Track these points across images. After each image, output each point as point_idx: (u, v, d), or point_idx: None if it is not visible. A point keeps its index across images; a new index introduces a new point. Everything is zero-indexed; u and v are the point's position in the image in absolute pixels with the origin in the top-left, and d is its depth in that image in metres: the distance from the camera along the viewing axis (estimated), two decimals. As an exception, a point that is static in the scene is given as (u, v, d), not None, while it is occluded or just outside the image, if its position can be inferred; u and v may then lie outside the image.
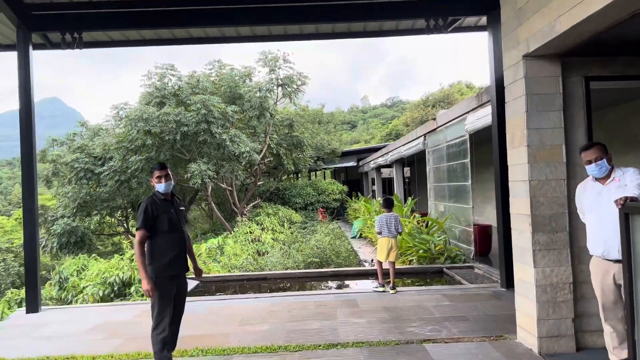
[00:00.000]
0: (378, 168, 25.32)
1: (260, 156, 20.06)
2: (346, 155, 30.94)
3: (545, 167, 4.67)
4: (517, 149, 4.85)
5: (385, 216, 7.81)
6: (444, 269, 9.80)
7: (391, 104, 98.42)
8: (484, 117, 9.21)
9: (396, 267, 7.91)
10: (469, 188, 10.37)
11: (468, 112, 10.14)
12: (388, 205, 7.97)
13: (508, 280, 7.51)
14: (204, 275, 7.47)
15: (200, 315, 6.74)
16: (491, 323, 5.89)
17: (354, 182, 33.23)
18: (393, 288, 7.64)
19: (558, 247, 4.67)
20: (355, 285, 9.43)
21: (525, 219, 4.75)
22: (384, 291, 7.68)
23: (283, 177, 27.20)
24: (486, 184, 16.99)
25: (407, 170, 21.10)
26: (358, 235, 18.60)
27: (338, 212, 26.42)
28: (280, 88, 20.26)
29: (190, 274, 4.98)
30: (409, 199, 16.05)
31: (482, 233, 10.81)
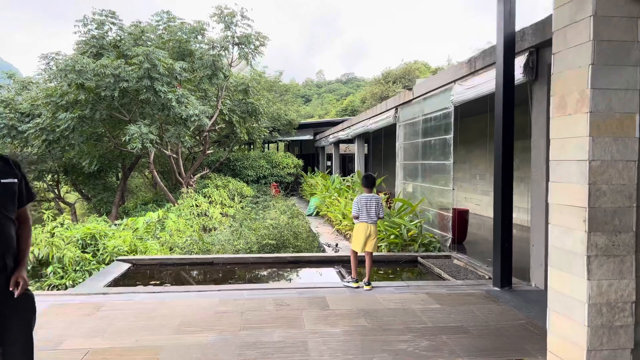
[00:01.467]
0: (337, 143, 23.97)
1: (211, 122, 18.19)
2: (303, 127, 29.37)
3: (612, 143, 3.39)
4: (572, 117, 3.54)
5: (365, 197, 6.43)
6: (419, 258, 8.61)
7: (346, 80, 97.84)
8: (477, 86, 7.93)
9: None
10: (450, 168, 9.16)
11: (455, 81, 8.85)
12: (369, 183, 6.59)
13: (503, 279, 6.36)
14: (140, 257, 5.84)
15: (126, 316, 5.17)
16: (500, 339, 4.67)
17: (309, 157, 31.80)
18: (368, 284, 6.32)
19: (620, 252, 3.43)
20: (319, 275, 8.06)
21: (577, 213, 3.48)
22: (357, 287, 6.36)
23: (235, 147, 25.36)
24: (465, 164, 16.03)
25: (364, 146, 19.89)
26: (314, 212, 17.29)
27: (292, 188, 24.98)
28: (236, 48, 18.31)
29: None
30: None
31: (459, 219, 9.69)
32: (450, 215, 9.23)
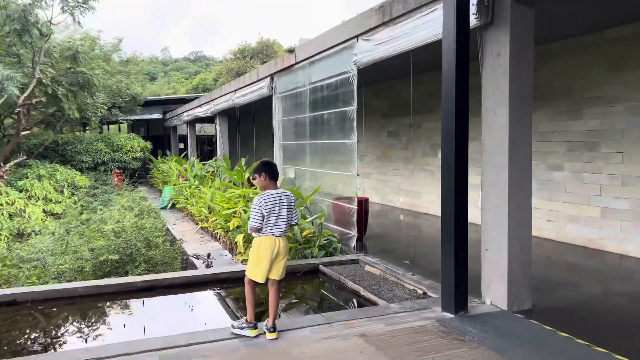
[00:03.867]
0: (192, 122, 20.90)
1: (25, 94, 14.01)
2: (150, 105, 25.44)
3: None
4: None
5: (272, 196, 4.11)
6: (321, 267, 6.57)
7: (195, 59, 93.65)
8: (392, 40, 6.02)
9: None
10: (353, 147, 7.22)
11: (359, 36, 6.87)
12: (273, 173, 4.26)
13: (459, 302, 4.58)
14: None
15: None
16: None
17: (159, 139, 27.96)
18: (273, 329, 4.07)
19: None
20: (189, 312, 5.52)
21: None
22: (256, 335, 4.07)
23: (65, 128, 20.77)
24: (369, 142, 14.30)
25: (213, 126, 17.29)
26: (169, 205, 14.33)
27: (140, 175, 21.31)
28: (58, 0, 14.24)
29: None
30: (242, 160, 12.38)
31: (360, 210, 7.84)
32: (355, 207, 7.32)
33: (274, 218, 4.07)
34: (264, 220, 4.05)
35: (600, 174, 7.15)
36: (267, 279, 4.12)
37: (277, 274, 4.10)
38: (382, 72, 10.46)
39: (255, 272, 4.08)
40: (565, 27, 6.89)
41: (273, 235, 4.06)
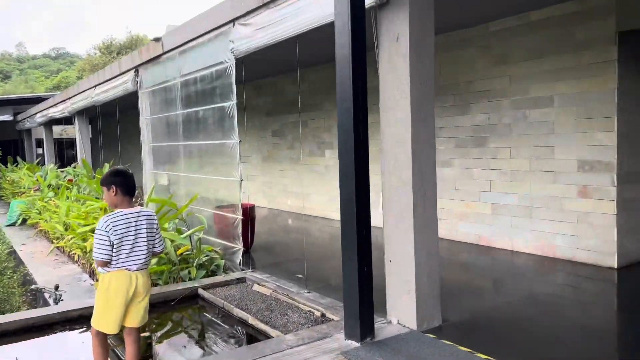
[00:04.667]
0: (49, 124, 18.35)
1: None
2: (-3, 105, 22.05)
3: None
4: None
5: (123, 217, 3.07)
6: (200, 291, 5.58)
7: (56, 56, 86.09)
8: (275, 23, 5.23)
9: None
10: (235, 148, 6.31)
11: (235, 20, 5.97)
12: (131, 188, 3.21)
13: (365, 327, 3.90)
14: None
15: None
16: None
17: (10, 144, 24.42)
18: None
19: None
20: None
21: None
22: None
23: None
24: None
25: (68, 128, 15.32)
26: (19, 221, 12.16)
27: (-17, 186, 18.22)
28: None
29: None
30: (106, 165, 10.79)
31: (246, 219, 6.93)
32: (239, 217, 6.41)
33: (129, 246, 3.05)
34: (114, 250, 3.01)
35: (490, 169, 7.02)
36: (122, 327, 3.09)
37: (135, 320, 3.09)
38: (265, 66, 9.65)
39: (103, 320, 3.03)
40: (449, 20, 6.62)
41: (127, 269, 3.04)
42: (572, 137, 6.03)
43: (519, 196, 6.68)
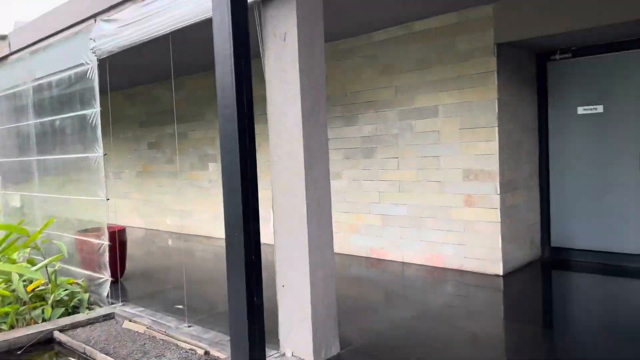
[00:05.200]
0: None
1: None
2: None
3: None
4: None
5: None
6: (56, 334, 4.66)
7: None
8: (147, 17, 4.58)
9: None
10: (100, 163, 5.46)
11: (97, 16, 5.18)
12: None
13: (257, 364, 3.39)
14: None
15: None
16: None
17: None
18: None
19: None
20: None
21: None
22: None
23: None
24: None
25: None
26: None
27: None
28: None
29: None
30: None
31: (114, 244, 6.05)
32: (105, 242, 5.53)
33: None
34: None
35: (379, 180, 6.91)
36: None
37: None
38: (137, 73, 8.75)
39: None
40: (334, 27, 6.42)
41: None
42: (456, 147, 6.10)
43: (408, 207, 6.63)
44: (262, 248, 3.33)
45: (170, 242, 9.35)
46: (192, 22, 4.09)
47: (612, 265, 6.12)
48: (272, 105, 3.79)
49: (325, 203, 3.84)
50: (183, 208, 9.99)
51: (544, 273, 6.23)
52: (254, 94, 3.28)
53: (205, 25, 3.91)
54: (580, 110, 6.27)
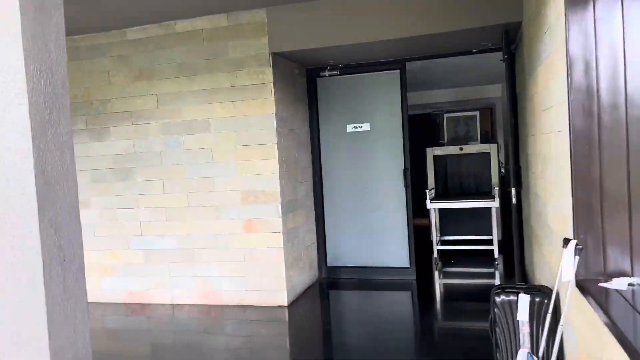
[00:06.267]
0: None
1: None
2: None
3: None
4: None
5: None
6: None
7: None
8: None
9: None
10: None
11: None
12: None
13: None
14: None
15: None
16: None
17: None
18: None
19: None
20: None
21: None
22: None
23: None
24: None
25: None
26: None
27: None
28: None
29: None
30: None
31: None
32: None
33: None
34: None
35: (140, 208, 5.69)
36: None
37: None
38: None
39: None
40: (72, 18, 5.05)
41: None
42: (233, 165, 5.38)
43: (177, 238, 5.60)
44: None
45: None
46: None
47: (372, 279, 6.25)
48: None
49: (75, 245, 2.60)
50: None
51: (321, 295, 6.00)
52: None
53: None
54: (350, 128, 6.28)
